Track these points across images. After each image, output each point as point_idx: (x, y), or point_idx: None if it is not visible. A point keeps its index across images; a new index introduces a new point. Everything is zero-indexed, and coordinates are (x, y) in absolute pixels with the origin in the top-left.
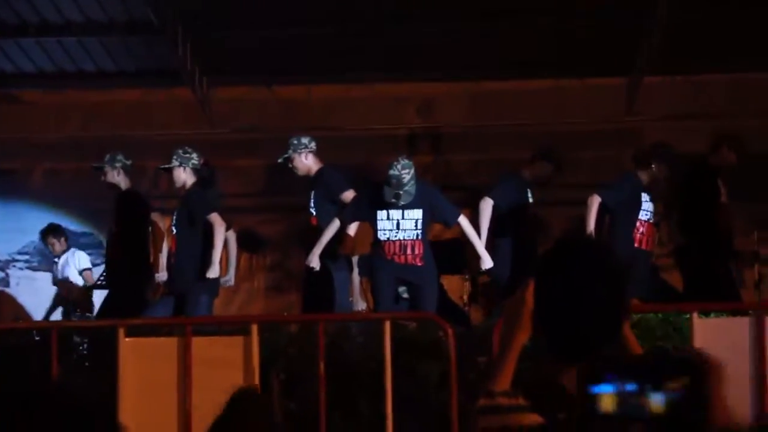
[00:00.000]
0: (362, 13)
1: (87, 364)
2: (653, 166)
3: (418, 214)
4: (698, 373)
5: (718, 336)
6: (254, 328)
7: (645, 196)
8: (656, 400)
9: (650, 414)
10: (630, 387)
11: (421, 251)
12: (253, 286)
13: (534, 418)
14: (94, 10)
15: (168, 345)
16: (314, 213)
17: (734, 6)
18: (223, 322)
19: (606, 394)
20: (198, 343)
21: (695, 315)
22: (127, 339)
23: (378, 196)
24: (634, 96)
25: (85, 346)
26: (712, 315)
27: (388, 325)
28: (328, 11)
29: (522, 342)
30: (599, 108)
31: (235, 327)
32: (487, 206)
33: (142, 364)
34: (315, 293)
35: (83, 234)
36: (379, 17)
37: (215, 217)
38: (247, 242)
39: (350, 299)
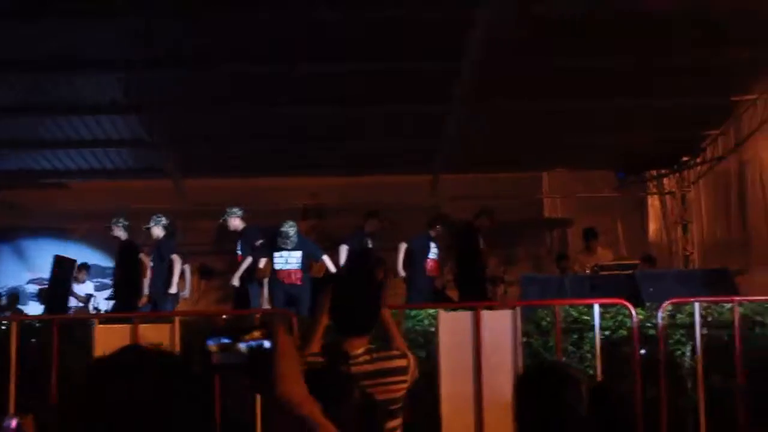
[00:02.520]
0: (279, 133)
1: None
2: (438, 227)
3: (298, 254)
4: (269, 329)
5: (454, 322)
6: (176, 320)
7: (433, 244)
8: (242, 347)
9: (240, 355)
10: (225, 339)
11: (300, 276)
12: (206, 298)
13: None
14: (111, 132)
15: (124, 330)
16: (240, 253)
17: (497, 132)
18: (161, 316)
19: (214, 345)
20: (142, 328)
21: (441, 310)
22: (100, 325)
23: (276, 242)
24: (435, 186)
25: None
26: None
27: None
28: (256, 129)
29: (324, 324)
30: (414, 193)
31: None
32: (343, 250)
33: (114, 345)
34: (240, 300)
35: (107, 267)
36: (292, 139)
37: (175, 257)
38: (201, 271)
39: (260, 302)
